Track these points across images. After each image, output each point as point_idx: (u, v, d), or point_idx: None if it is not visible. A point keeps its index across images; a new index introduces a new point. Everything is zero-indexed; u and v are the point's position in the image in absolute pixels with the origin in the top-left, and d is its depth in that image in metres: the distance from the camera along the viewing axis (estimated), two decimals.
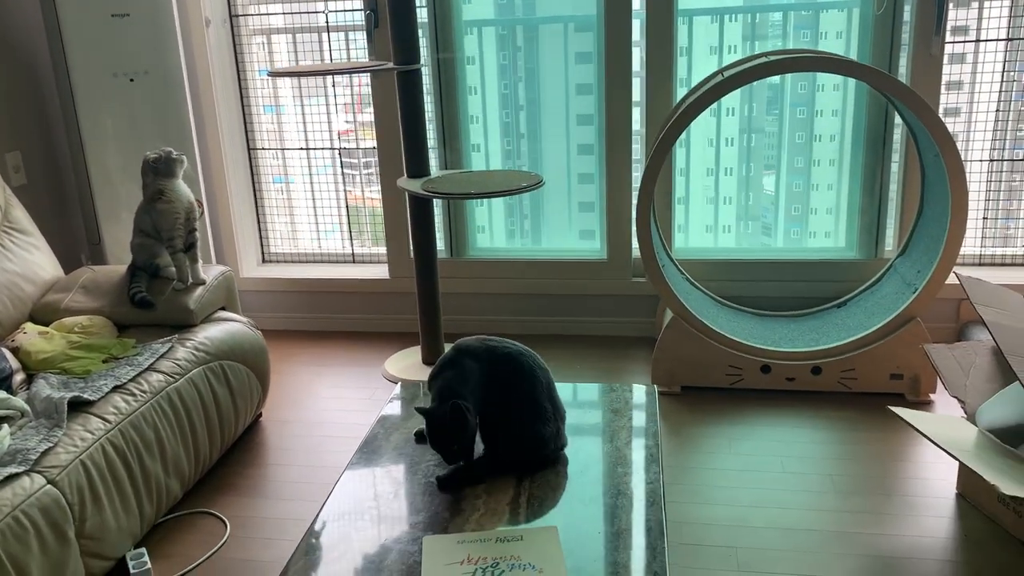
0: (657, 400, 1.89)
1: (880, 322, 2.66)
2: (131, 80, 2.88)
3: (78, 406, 1.99)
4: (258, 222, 3.59)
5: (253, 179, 3.54)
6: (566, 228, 3.37)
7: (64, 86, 2.80)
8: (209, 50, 3.22)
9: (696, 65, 3.09)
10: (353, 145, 3.51)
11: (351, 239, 3.60)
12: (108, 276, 2.59)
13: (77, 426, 1.93)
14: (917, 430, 1.93)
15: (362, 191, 3.53)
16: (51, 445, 1.84)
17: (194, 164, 3.06)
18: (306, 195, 3.59)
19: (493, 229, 3.40)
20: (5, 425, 1.86)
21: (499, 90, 3.24)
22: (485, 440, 1.64)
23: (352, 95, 3.44)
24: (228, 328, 2.50)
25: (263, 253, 3.64)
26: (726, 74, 2.70)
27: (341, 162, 3.53)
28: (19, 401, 1.97)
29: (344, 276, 3.42)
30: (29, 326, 2.39)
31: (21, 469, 1.75)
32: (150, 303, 2.44)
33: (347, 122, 3.53)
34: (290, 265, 3.61)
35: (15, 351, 2.26)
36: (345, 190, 3.55)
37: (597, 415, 1.83)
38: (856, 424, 2.53)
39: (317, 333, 3.44)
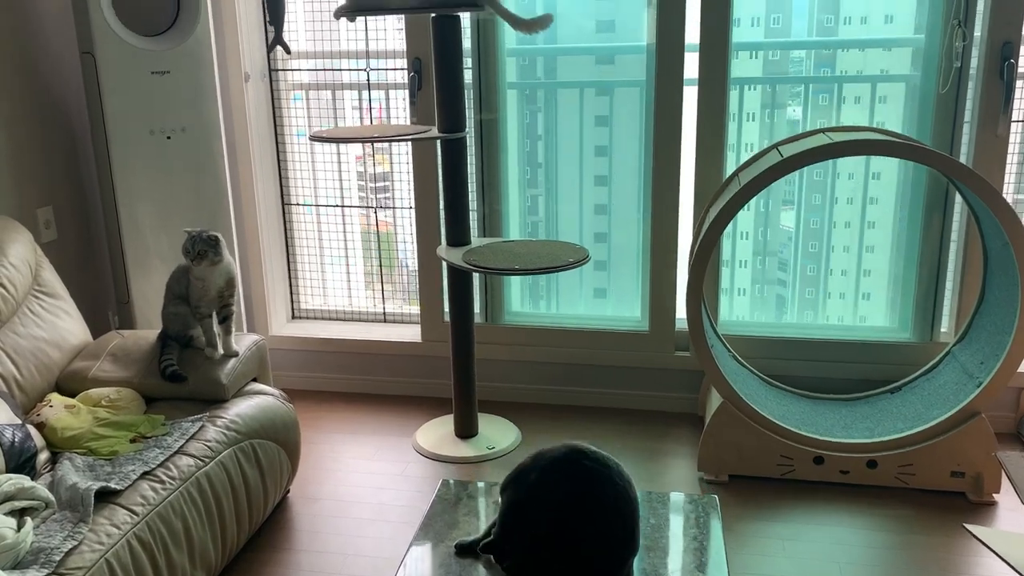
0: (720, 515, 1.77)
1: (940, 415, 2.53)
2: (168, 137, 2.81)
3: (104, 495, 1.89)
4: (289, 278, 3.51)
5: (286, 234, 3.46)
6: (603, 294, 3.26)
7: (100, 142, 2.73)
8: (247, 105, 3.15)
9: (746, 132, 3.00)
10: (373, 168, 3.43)
11: (383, 299, 3.51)
12: (137, 343, 2.50)
13: (103, 519, 1.83)
14: (993, 551, 1.80)
15: (374, 218, 3.45)
16: (76, 544, 1.74)
17: (227, 221, 2.99)
18: (339, 250, 3.51)
19: (529, 293, 3.30)
20: (28, 520, 1.76)
21: (542, 154, 3.16)
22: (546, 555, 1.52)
23: (372, 118, 3.37)
24: (260, 403, 2.40)
25: (293, 309, 3.55)
26: (783, 151, 2.61)
27: (377, 220, 3.45)
28: (44, 491, 1.87)
29: (375, 337, 3.32)
30: (55, 397, 2.30)
31: (44, 572, 1.65)
32: (182, 377, 2.35)
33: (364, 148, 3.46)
34: (320, 322, 3.52)
35: (40, 426, 2.17)
36: (379, 248, 3.46)
37: (663, 529, 1.71)
38: (916, 526, 2.39)
39: (346, 395, 3.34)
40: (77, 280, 2.98)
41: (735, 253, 3.12)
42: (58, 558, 1.69)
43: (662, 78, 2.88)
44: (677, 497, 1.83)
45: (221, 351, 2.43)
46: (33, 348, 2.37)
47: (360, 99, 3.33)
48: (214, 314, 2.43)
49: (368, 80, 3.26)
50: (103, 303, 3.14)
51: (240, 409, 2.33)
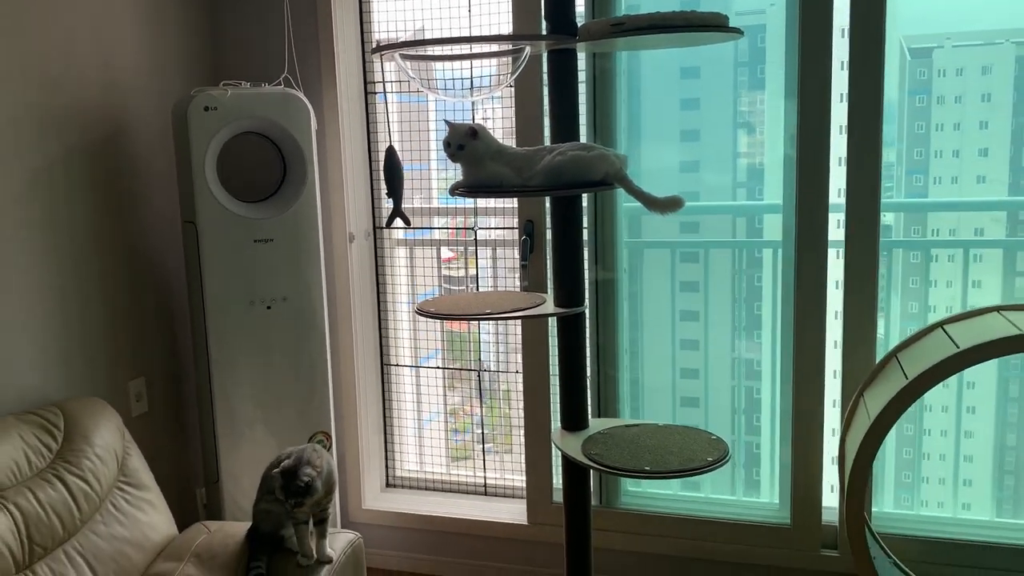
0: None
1: None
2: (268, 307, 2.66)
3: None
4: (384, 443, 3.27)
5: (384, 396, 3.24)
6: (735, 475, 2.91)
7: (198, 313, 2.59)
8: (351, 266, 3.00)
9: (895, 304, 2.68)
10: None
11: (484, 469, 3.22)
12: (224, 541, 2.27)
13: None
14: None
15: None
16: None
17: (325, 391, 2.78)
18: (438, 415, 3.27)
19: None
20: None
21: (661, 314, 2.89)
22: None
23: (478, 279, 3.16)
24: None
25: (387, 477, 3.30)
26: (952, 334, 2.27)
27: (480, 386, 3.21)
28: None
29: (476, 516, 3.02)
30: None
31: None
32: None
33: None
34: (416, 493, 3.24)
35: None
36: (482, 415, 3.21)
37: None
38: None
39: None
40: (166, 455, 2.80)
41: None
42: None
43: (802, 239, 2.59)
44: None
45: (315, 556, 2.18)
46: (114, 552, 2.16)
47: (466, 254, 3.14)
48: (311, 519, 2.19)
49: (475, 239, 3.08)
50: (191, 480, 2.95)
51: None
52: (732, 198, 2.85)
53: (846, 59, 2.51)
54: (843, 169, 2.54)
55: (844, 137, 2.52)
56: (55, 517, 2.05)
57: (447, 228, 3.13)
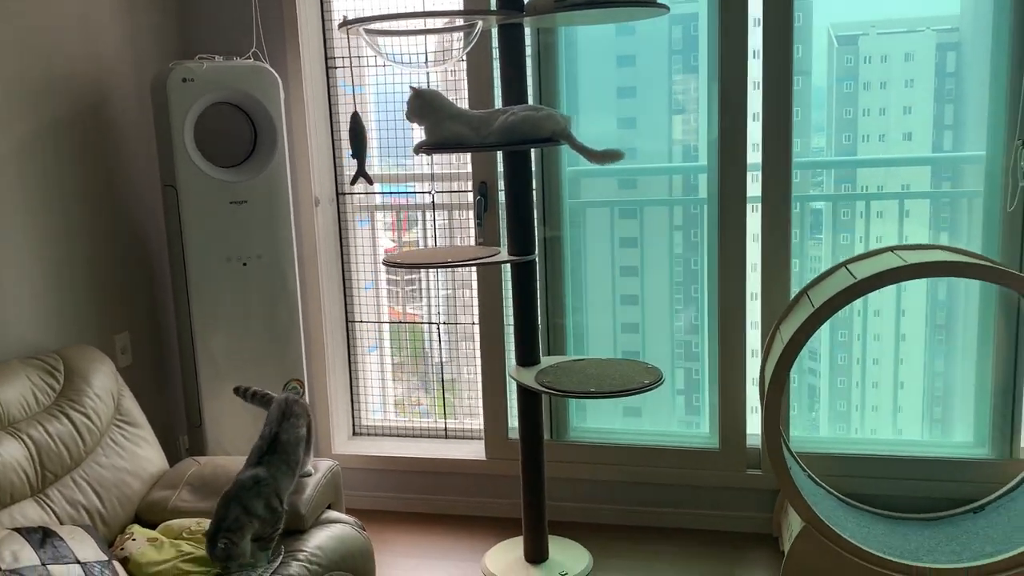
0: None
1: None
2: (244, 264, 2.89)
3: None
4: (351, 394, 3.52)
5: (349, 350, 3.50)
6: (670, 409, 3.24)
7: (179, 270, 2.81)
8: (317, 229, 3.24)
9: (808, 248, 3.03)
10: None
11: (444, 416, 3.51)
12: (214, 471, 2.51)
13: None
14: None
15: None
16: None
17: (298, 342, 3.03)
18: (401, 367, 3.54)
19: (593, 408, 3.28)
20: None
21: (602, 269, 3.20)
22: None
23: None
24: (337, 533, 2.38)
25: (354, 425, 3.56)
26: (852, 269, 2.62)
27: (440, 337, 3.48)
28: None
29: (438, 455, 3.31)
30: (137, 530, 2.30)
31: None
32: None
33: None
34: (381, 439, 3.51)
35: (124, 561, 2.16)
36: (441, 362, 3.49)
37: None
38: None
39: (412, 515, 3.30)
40: (150, 405, 3.01)
41: (802, 368, 3.11)
42: None
43: (726, 196, 2.92)
44: None
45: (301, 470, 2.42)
46: (115, 479, 2.38)
47: (423, 219, 3.41)
48: None
49: (433, 202, 3.34)
50: (174, 428, 3.17)
51: (319, 541, 2.32)
52: (668, 160, 3.15)
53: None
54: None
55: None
56: (63, 447, 2.27)
57: (406, 192, 3.38)
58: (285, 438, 2.28)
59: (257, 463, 2.23)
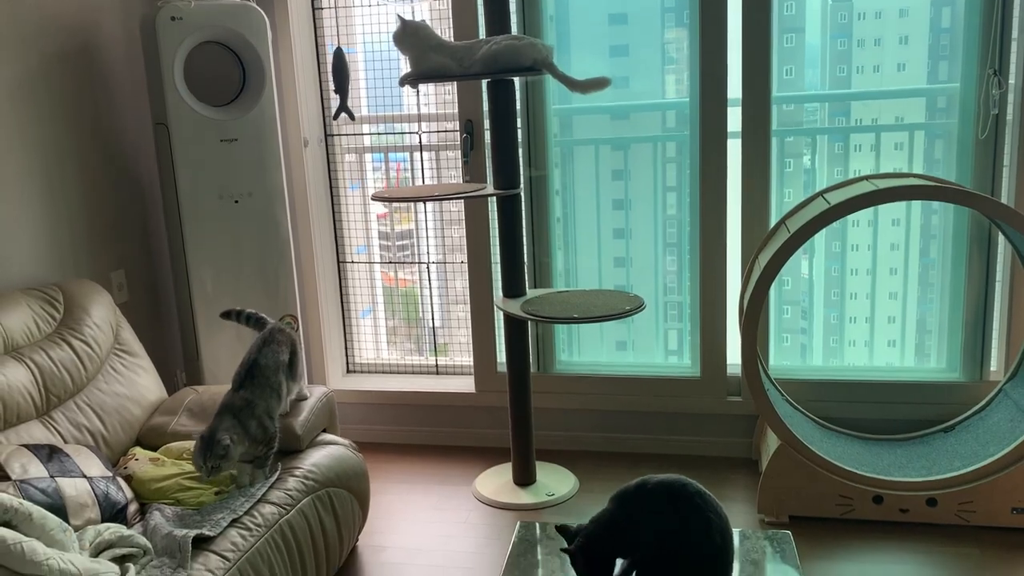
0: (796, 549, 1.82)
1: (997, 452, 2.57)
2: (236, 201, 2.95)
3: (197, 542, 1.97)
4: (344, 332, 3.61)
5: (341, 289, 3.58)
6: (653, 341, 3.34)
7: (172, 207, 2.87)
8: (306, 169, 3.30)
9: (787, 183, 3.10)
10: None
11: (435, 353, 3.60)
12: (212, 399, 2.60)
13: (198, 565, 1.90)
14: None
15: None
16: None
17: (291, 280, 3.11)
18: (390, 307, 3.62)
19: (579, 342, 3.38)
20: (131, 566, 1.84)
21: (588, 206, 3.27)
22: None
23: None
24: (333, 453, 2.49)
25: (348, 364, 3.65)
26: (829, 198, 2.70)
27: (430, 278, 3.56)
28: (141, 538, 1.95)
29: (429, 389, 3.40)
30: (139, 451, 2.40)
31: None
32: None
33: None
34: (375, 376, 3.61)
35: (128, 479, 2.26)
36: (432, 303, 3.57)
37: (743, 562, 1.76)
38: (979, 563, 2.41)
39: (405, 446, 3.41)
40: (147, 340, 3.10)
41: (780, 298, 3.20)
42: None
43: (707, 131, 2.99)
44: (754, 533, 1.89)
45: (293, 395, 2.51)
46: (116, 405, 2.47)
47: (412, 160, 3.47)
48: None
49: (420, 142, 3.40)
50: (171, 363, 3.25)
51: (315, 459, 2.42)
52: (662, 96, 3.19)
53: None
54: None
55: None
56: (65, 373, 2.35)
57: (393, 133, 3.44)
58: (264, 363, 2.36)
59: (239, 388, 2.31)
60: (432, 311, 3.58)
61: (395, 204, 3.54)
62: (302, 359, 2.58)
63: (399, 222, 3.61)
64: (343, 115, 2.68)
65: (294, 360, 2.48)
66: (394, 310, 3.65)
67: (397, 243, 3.63)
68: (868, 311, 3.15)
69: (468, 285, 3.30)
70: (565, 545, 1.66)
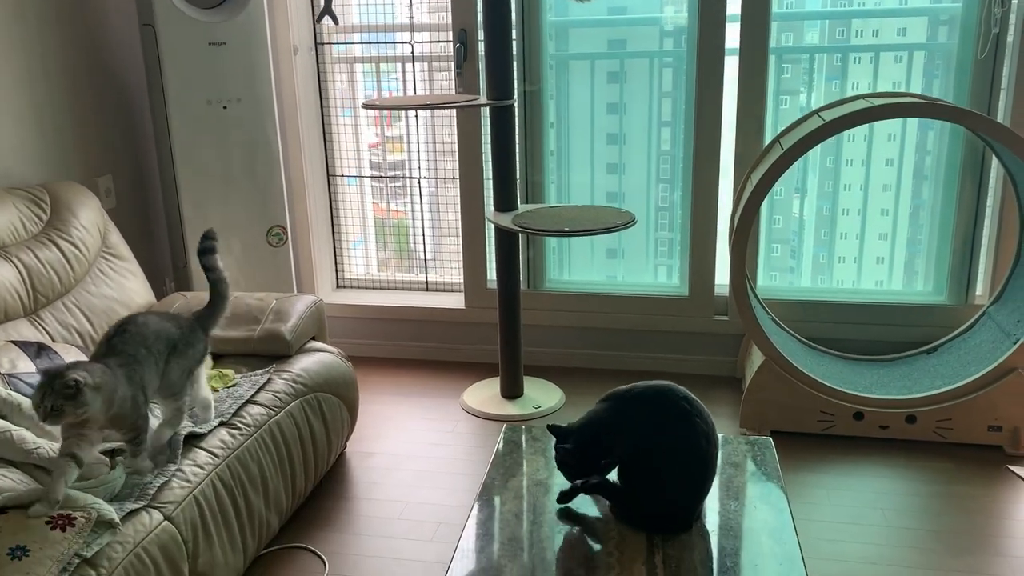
0: (776, 455, 1.86)
1: (977, 372, 2.61)
2: (224, 107, 2.91)
3: (187, 440, 1.99)
4: (334, 248, 3.60)
5: (331, 205, 3.55)
6: (644, 261, 3.34)
7: (160, 112, 2.83)
8: (296, 78, 3.24)
9: (783, 103, 3.07)
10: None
11: (426, 269, 3.60)
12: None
13: (187, 461, 1.93)
14: None
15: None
16: (166, 479, 1.84)
17: (280, 190, 3.08)
18: (383, 221, 3.60)
19: (570, 261, 3.38)
20: (120, 462, 1.86)
21: (580, 123, 3.23)
22: (623, 482, 1.63)
23: (415, 90, 3.45)
24: (321, 359, 2.50)
25: (337, 279, 3.65)
26: (824, 116, 2.67)
27: (421, 193, 3.54)
28: None
29: (420, 304, 3.41)
30: None
31: (140, 504, 1.75)
32: None
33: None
34: (364, 291, 3.61)
35: None
36: (423, 218, 3.55)
37: (724, 466, 1.79)
38: (955, 476, 2.47)
39: (394, 360, 3.44)
40: (135, 247, 3.08)
41: (771, 217, 3.19)
42: (152, 492, 1.79)
43: (704, 49, 2.94)
44: (735, 438, 1.92)
45: (167, 414, 1.97)
46: (104, 307, 2.47)
47: (403, 71, 3.41)
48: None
49: (412, 53, 3.34)
50: (161, 270, 3.25)
51: (304, 364, 2.43)
52: (660, 11, 3.13)
53: None
54: None
55: None
56: (53, 273, 2.34)
57: (384, 43, 3.37)
58: (156, 328, 1.93)
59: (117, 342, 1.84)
60: (423, 232, 3.57)
61: (388, 134, 3.50)
62: (202, 373, 2.06)
63: (390, 151, 3.56)
64: (327, 18, 2.62)
65: (182, 358, 1.96)
66: (385, 241, 3.63)
67: (388, 173, 3.59)
68: (857, 231, 3.15)
69: (459, 203, 3.28)
70: (556, 443, 1.69)
